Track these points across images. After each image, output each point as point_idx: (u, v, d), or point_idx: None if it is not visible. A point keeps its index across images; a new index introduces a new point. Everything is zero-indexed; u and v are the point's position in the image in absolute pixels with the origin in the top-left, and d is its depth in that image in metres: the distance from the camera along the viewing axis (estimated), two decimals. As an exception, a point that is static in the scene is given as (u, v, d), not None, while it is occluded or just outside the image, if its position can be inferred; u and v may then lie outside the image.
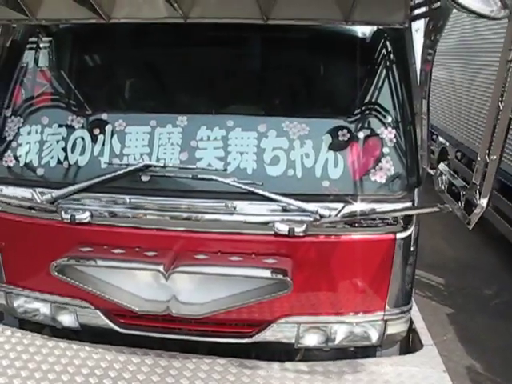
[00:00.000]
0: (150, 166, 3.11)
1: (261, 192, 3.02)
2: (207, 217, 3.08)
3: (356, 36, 3.22)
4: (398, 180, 3.15)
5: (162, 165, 3.11)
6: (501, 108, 2.16)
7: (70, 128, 3.27)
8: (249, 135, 3.16)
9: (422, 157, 3.09)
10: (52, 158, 3.25)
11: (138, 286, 3.09)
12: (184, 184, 3.12)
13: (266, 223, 3.04)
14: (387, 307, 3.27)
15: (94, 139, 3.24)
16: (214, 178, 3.04)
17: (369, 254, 3.18)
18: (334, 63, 3.31)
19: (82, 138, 3.26)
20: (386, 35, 3.18)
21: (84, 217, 3.09)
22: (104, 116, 3.27)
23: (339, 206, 3.04)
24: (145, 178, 3.14)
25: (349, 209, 3.04)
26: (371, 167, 3.13)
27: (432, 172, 3.15)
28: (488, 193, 2.38)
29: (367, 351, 3.45)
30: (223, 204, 3.04)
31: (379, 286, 3.24)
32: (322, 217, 3.03)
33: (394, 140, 3.14)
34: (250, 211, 3.07)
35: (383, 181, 3.13)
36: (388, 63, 3.19)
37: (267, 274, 2.90)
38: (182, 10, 2.78)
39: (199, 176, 3.07)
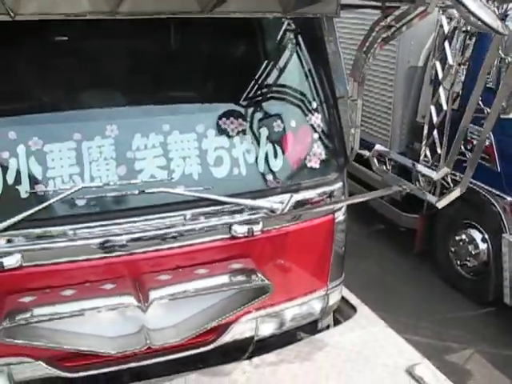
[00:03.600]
0: (87, 187, 2.72)
1: (215, 197, 2.87)
2: (163, 232, 2.83)
3: (273, 26, 3.18)
4: (330, 163, 3.27)
5: (101, 184, 2.75)
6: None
7: None
8: (188, 137, 2.94)
9: (355, 137, 3.25)
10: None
11: (97, 324, 2.75)
12: (128, 202, 2.81)
13: (222, 227, 2.95)
14: (329, 282, 3.46)
15: (4, 166, 2.69)
16: (164, 190, 2.79)
17: (314, 238, 3.30)
18: (260, 54, 3.22)
19: None
20: (302, 23, 3.17)
21: (14, 261, 2.62)
22: (12, 135, 2.72)
23: (286, 197, 3.06)
24: (81, 203, 2.75)
25: (295, 198, 3.09)
26: (306, 154, 3.20)
27: (366, 153, 3.34)
28: (468, 180, 2.67)
29: (308, 327, 3.62)
30: (180, 216, 2.84)
31: (323, 265, 3.40)
32: (273, 211, 3.03)
33: (322, 125, 3.23)
34: (205, 218, 2.92)
35: (317, 166, 3.22)
36: (307, 52, 3.20)
37: (252, 279, 2.83)
38: (109, 5, 2.43)
39: (146, 190, 2.79)
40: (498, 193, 4.95)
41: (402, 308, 5.38)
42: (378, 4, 2.70)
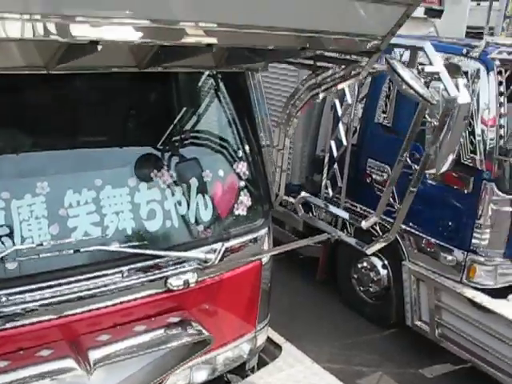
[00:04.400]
0: (20, 249, 2.60)
1: (150, 252, 2.88)
2: (99, 291, 2.77)
3: (201, 80, 3.26)
4: (256, 210, 3.39)
5: (34, 245, 2.63)
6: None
7: None
8: (121, 192, 2.92)
9: (280, 184, 3.38)
10: None
11: None
12: (62, 262, 2.71)
13: (158, 281, 2.94)
14: (257, 323, 3.55)
15: None
16: (100, 248, 2.75)
17: (243, 283, 3.38)
18: (188, 107, 3.28)
19: None
20: (228, 76, 3.26)
21: None
22: None
23: (217, 246, 3.12)
24: (11, 266, 2.62)
25: (225, 247, 3.15)
26: (234, 202, 3.29)
27: (291, 199, 3.48)
28: (397, 229, 2.88)
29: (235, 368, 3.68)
30: (116, 273, 2.80)
31: (252, 308, 3.50)
32: (206, 261, 3.07)
33: (248, 173, 3.34)
34: (141, 273, 2.90)
35: (244, 213, 3.33)
36: (232, 104, 3.33)
37: (194, 333, 2.85)
38: (44, 59, 2.37)
39: (81, 249, 2.72)
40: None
41: (311, 336, 5.58)
42: (309, 63, 2.86)
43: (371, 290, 5.83)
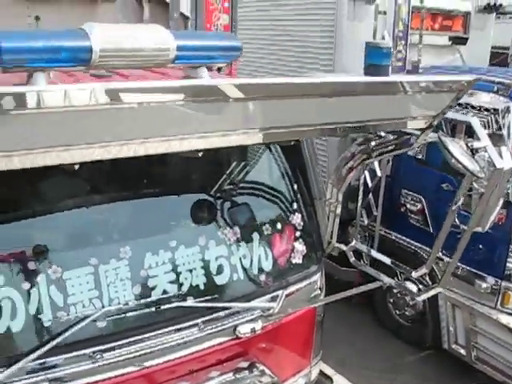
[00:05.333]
0: (109, 310, 2.91)
1: (223, 305, 3.21)
2: (180, 342, 3.08)
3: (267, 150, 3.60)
4: (310, 257, 3.69)
5: (122, 305, 2.94)
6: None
7: None
8: (193, 251, 3.23)
9: (333, 233, 3.66)
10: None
11: None
12: (145, 319, 3.03)
13: (228, 330, 3.24)
14: (312, 359, 3.85)
15: (26, 296, 2.82)
16: (179, 304, 3.06)
17: (301, 323, 3.68)
18: (245, 168, 3.61)
19: (10, 299, 2.81)
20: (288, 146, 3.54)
21: None
22: (31, 265, 2.85)
23: (278, 294, 3.42)
24: (102, 324, 2.93)
25: (285, 293, 3.45)
26: (291, 252, 3.59)
27: (342, 246, 3.76)
28: (447, 283, 3.14)
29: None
30: (195, 326, 3.11)
31: (308, 344, 3.80)
32: (269, 309, 3.37)
33: (302, 224, 3.63)
34: (213, 324, 3.20)
35: (300, 261, 3.63)
36: (289, 165, 3.64)
37: (261, 378, 3.15)
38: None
39: (162, 307, 3.03)
40: (430, 250, 5.57)
41: (352, 358, 5.86)
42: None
43: (407, 313, 6.10)
